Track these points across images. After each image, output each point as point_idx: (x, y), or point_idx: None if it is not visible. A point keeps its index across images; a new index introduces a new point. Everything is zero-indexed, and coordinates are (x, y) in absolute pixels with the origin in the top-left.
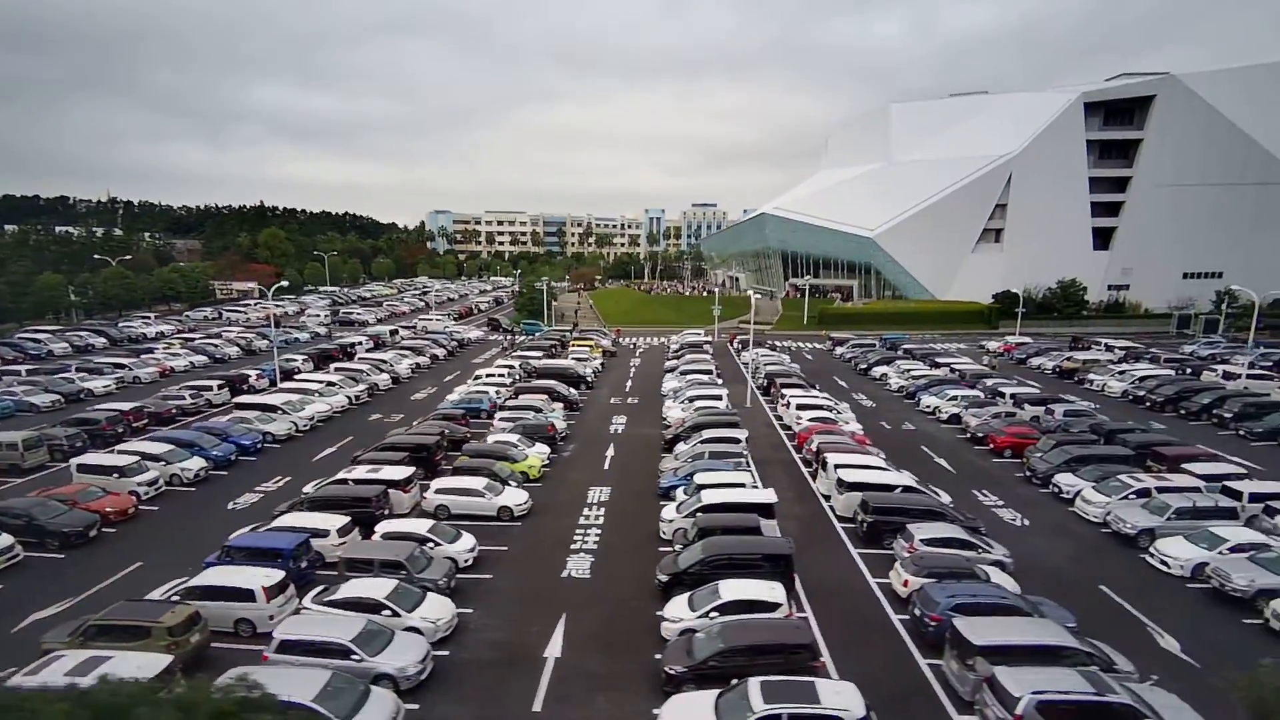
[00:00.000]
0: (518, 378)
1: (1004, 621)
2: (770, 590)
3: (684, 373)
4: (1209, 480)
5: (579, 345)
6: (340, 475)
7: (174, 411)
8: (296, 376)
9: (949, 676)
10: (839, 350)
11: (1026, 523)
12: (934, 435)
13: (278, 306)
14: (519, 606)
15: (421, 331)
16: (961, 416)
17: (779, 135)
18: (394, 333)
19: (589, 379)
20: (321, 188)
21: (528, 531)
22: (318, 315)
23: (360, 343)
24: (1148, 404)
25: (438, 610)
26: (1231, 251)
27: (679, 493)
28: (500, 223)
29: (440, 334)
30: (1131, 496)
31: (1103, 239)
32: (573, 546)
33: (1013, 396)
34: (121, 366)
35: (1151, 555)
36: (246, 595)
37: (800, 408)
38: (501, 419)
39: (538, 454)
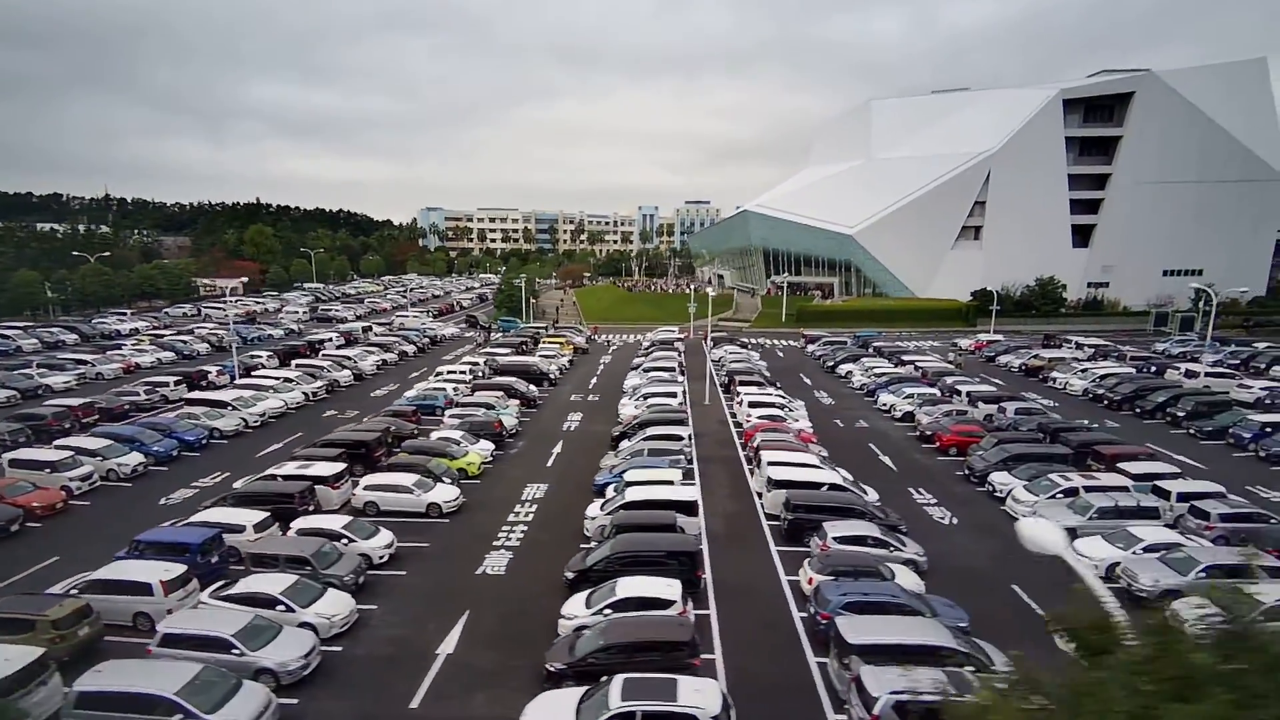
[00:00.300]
0: (480, 374)
1: (883, 621)
2: (666, 588)
3: (647, 370)
4: (1142, 480)
5: (550, 342)
6: (270, 471)
7: (126, 407)
8: (255, 373)
9: (831, 675)
10: (810, 348)
11: (955, 521)
12: (885, 433)
13: (257, 303)
14: (425, 603)
15: (396, 328)
16: (915, 414)
17: (778, 132)
18: (366, 329)
19: (553, 376)
20: (321, 185)
21: (454, 528)
22: (295, 312)
23: (330, 339)
24: (1106, 402)
25: (334, 606)
26: (1212, 249)
27: (610, 490)
28: (492, 220)
29: (413, 331)
30: (1059, 496)
31: (1082, 236)
32: (494, 543)
33: (969, 394)
34: (83, 363)
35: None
36: (144, 589)
37: (752, 405)
38: (451, 415)
39: (479, 451)
